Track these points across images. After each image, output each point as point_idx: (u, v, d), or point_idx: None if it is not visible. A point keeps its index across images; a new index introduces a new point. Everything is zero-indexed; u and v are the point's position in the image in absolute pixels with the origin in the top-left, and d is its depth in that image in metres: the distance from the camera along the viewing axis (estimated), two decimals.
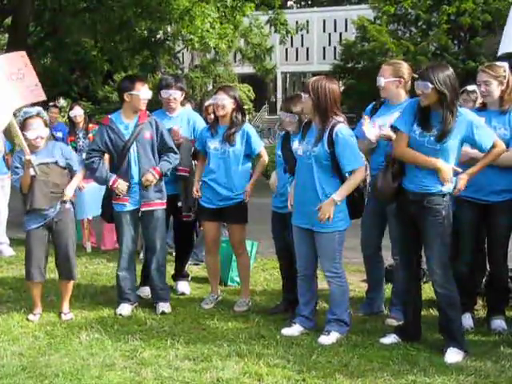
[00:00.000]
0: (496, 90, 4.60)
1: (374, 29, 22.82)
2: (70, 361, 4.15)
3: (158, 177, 5.12)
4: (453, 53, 22.39)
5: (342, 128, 4.46)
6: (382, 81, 4.85)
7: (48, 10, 14.18)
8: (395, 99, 4.88)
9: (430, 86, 4.07)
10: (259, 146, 5.33)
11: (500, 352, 4.30)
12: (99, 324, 4.86)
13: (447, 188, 4.20)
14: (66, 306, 5.13)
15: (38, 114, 4.97)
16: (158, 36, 15.90)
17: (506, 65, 4.68)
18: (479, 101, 4.97)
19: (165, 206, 5.25)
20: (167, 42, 15.84)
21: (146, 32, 14.98)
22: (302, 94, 4.59)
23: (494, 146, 4.21)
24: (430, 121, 4.17)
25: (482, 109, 4.73)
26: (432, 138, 4.14)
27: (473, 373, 3.94)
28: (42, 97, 5.17)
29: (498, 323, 4.78)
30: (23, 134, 4.90)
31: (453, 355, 4.16)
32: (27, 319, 5.00)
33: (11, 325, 4.87)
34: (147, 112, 5.27)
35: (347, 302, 4.69)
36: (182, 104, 5.94)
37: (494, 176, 4.49)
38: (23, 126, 4.94)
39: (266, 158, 5.40)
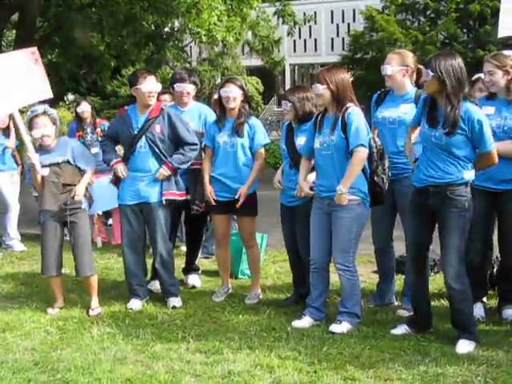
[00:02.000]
0: (501, 79, 4.52)
1: (382, 19, 22.66)
2: (82, 355, 4.17)
3: (169, 171, 5.09)
4: (462, 41, 22.21)
5: (351, 110, 4.48)
6: (388, 69, 4.80)
7: (53, 6, 14.20)
8: (401, 89, 4.84)
9: (430, 73, 4.04)
10: (261, 143, 5.22)
11: None
12: (110, 318, 4.88)
13: (470, 176, 4.15)
14: (94, 301, 5.08)
15: (44, 112, 4.90)
16: (166, 29, 15.89)
17: None
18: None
19: (162, 202, 5.15)
20: (174, 36, 15.84)
21: (152, 26, 14.98)
22: (318, 85, 4.50)
23: (488, 153, 4.12)
24: (436, 115, 4.12)
25: (491, 98, 4.66)
26: (437, 134, 4.10)
27: (484, 362, 3.92)
28: (50, 94, 5.17)
29: (510, 313, 4.76)
30: (29, 133, 4.89)
31: (464, 345, 4.14)
32: (45, 312, 5.02)
33: (23, 320, 4.90)
34: (162, 105, 5.22)
35: (358, 295, 4.68)
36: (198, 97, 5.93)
37: (503, 166, 4.43)
38: (30, 125, 4.91)
39: (262, 159, 5.25)
